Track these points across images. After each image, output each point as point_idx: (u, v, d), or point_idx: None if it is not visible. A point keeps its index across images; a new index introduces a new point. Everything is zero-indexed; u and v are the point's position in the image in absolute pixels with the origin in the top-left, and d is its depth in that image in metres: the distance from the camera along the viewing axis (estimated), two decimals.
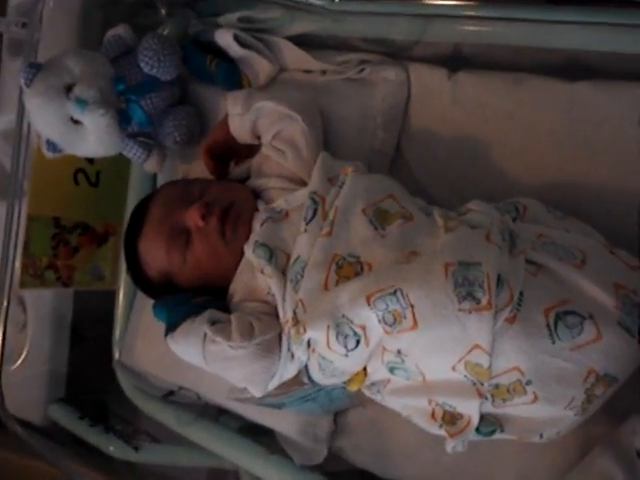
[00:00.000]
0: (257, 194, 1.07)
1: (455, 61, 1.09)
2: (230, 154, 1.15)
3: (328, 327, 0.86)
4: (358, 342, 0.86)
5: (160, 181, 1.30)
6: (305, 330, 0.88)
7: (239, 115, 1.08)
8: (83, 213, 1.25)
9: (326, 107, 1.10)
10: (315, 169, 0.99)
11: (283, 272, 0.96)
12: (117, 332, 1.35)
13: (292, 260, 0.94)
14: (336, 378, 0.95)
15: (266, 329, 0.93)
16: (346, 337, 0.86)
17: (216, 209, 1.01)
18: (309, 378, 0.98)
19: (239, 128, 1.09)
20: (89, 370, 1.40)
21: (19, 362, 1.37)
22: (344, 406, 1.10)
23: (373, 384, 0.94)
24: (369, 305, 0.83)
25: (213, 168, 1.14)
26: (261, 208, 1.03)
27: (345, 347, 0.87)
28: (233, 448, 1.19)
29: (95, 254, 1.27)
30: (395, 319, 0.82)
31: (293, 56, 1.15)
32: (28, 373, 1.37)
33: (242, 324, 0.93)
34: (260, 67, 1.16)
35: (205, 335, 0.94)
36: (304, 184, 1.03)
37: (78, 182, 1.23)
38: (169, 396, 1.31)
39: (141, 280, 1.11)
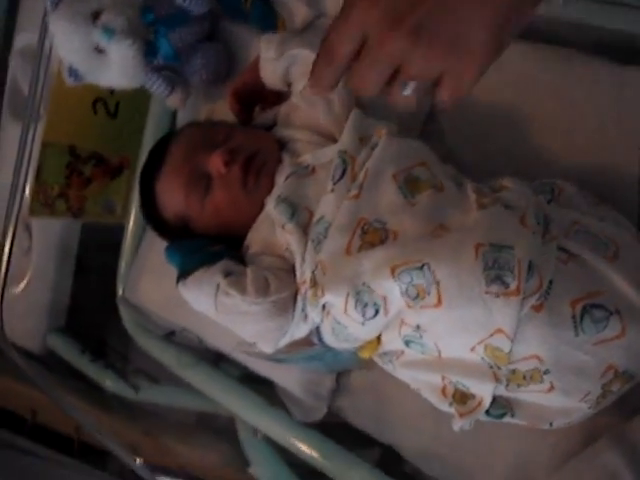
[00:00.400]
0: (282, 145, 1.03)
1: None
2: (257, 99, 1.11)
3: (347, 294, 0.84)
4: (377, 312, 0.84)
5: (180, 118, 1.26)
6: (323, 293, 0.86)
7: (272, 60, 1.04)
8: (99, 143, 1.21)
9: None
10: (347, 127, 0.96)
11: (304, 230, 0.93)
12: (122, 267, 1.33)
13: (315, 219, 0.92)
14: (348, 343, 0.93)
15: (282, 287, 0.91)
16: (365, 306, 0.84)
17: (240, 157, 0.97)
18: (319, 339, 0.96)
19: (270, 73, 1.05)
20: (91, 303, 1.39)
21: (21, 287, 1.35)
22: (350, 367, 1.09)
23: (385, 354, 0.93)
24: (393, 276, 0.81)
25: (238, 111, 1.10)
26: (286, 161, 0.99)
27: (363, 315, 0.85)
28: (233, 396, 1.18)
29: (108, 187, 1.24)
30: (418, 294, 0.80)
31: (333, 2, 1.10)
32: (29, 300, 1.36)
33: (258, 279, 0.91)
34: (297, 10, 1.11)
35: (218, 286, 0.92)
36: (333, 140, 0.99)
37: (97, 111, 1.18)
38: (170, 336, 1.30)
39: (154, 220, 1.08)
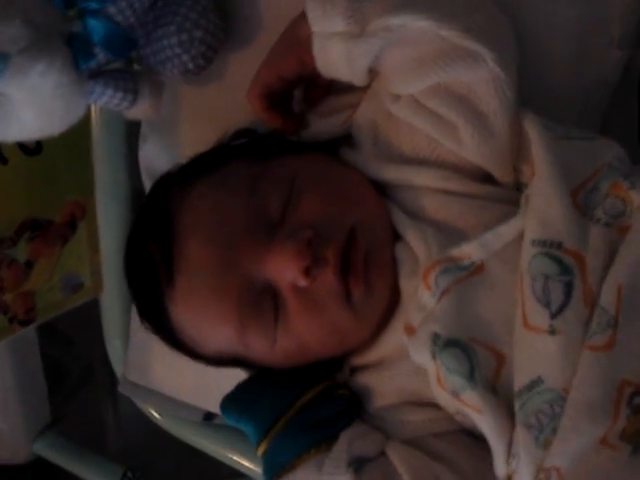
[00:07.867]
0: (381, 189, 0.57)
1: None
2: (294, 87, 0.61)
3: None
4: None
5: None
6: None
7: (341, 39, 0.52)
8: (27, 204, 0.68)
9: (520, 15, 0.54)
10: (542, 174, 0.49)
11: (492, 390, 0.51)
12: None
13: (524, 382, 0.49)
14: None
15: None
16: None
17: (329, 252, 0.53)
18: None
19: (342, 63, 0.54)
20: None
21: None
22: None
23: None
24: None
25: (280, 123, 0.60)
26: (412, 239, 0.54)
27: None
28: None
29: (62, 257, 0.74)
30: None
31: None
32: None
33: None
34: None
35: None
36: (481, 178, 0.54)
37: (6, 158, 0.65)
38: (210, 420, 0.90)
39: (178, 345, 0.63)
